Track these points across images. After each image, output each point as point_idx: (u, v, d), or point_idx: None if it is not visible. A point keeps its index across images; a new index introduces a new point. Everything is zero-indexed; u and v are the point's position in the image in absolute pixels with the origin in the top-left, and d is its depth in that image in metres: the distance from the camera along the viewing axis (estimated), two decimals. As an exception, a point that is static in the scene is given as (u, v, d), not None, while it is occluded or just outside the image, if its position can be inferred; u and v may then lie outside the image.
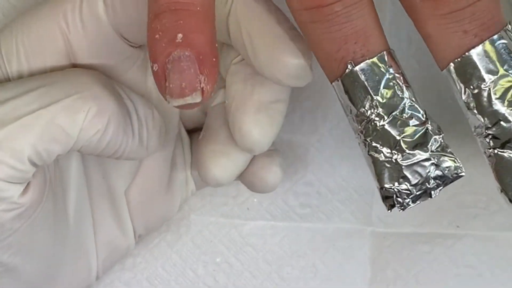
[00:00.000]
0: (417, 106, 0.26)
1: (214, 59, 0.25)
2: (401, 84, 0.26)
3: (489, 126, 0.26)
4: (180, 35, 0.24)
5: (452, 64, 0.26)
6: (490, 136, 0.26)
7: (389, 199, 0.27)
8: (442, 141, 0.27)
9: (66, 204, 0.32)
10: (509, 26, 0.26)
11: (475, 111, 0.26)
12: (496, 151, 0.26)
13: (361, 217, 0.37)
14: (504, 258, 0.37)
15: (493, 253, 0.37)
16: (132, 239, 0.35)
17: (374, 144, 0.27)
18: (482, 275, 0.37)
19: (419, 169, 0.26)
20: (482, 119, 0.26)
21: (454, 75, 0.26)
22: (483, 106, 0.26)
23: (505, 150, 0.26)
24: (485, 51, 0.25)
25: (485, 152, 0.27)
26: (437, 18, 0.25)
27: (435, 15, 0.25)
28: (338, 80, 0.27)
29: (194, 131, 0.36)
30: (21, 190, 0.28)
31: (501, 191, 0.26)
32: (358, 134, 0.27)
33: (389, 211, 0.27)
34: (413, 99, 0.27)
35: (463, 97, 0.26)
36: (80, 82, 0.29)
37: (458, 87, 0.26)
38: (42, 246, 0.31)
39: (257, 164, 0.33)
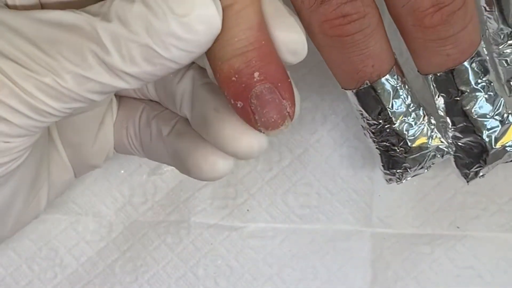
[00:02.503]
0: (418, 107, 0.30)
1: (288, 80, 0.27)
2: (406, 90, 0.30)
3: (455, 126, 0.31)
4: (256, 73, 0.26)
5: (431, 76, 0.29)
6: (452, 131, 0.31)
7: (389, 177, 0.32)
8: (436, 132, 0.31)
9: None
10: (482, 42, 0.29)
11: (445, 114, 0.31)
12: (456, 142, 0.31)
13: (361, 218, 0.37)
14: (505, 259, 0.37)
15: (493, 254, 0.37)
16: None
17: (383, 142, 0.31)
18: (483, 276, 0.37)
19: (419, 158, 0.31)
20: (449, 121, 0.31)
21: (431, 83, 0.30)
22: (453, 112, 0.30)
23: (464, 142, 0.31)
24: (461, 70, 0.29)
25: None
26: (425, 41, 0.28)
27: (423, 38, 0.28)
28: (352, 91, 0.30)
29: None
30: None
31: (457, 167, 0.32)
32: (368, 132, 0.31)
33: (388, 183, 0.32)
34: (415, 100, 0.30)
35: (436, 102, 0.30)
36: None
37: (434, 92, 0.30)
38: None
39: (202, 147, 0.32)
